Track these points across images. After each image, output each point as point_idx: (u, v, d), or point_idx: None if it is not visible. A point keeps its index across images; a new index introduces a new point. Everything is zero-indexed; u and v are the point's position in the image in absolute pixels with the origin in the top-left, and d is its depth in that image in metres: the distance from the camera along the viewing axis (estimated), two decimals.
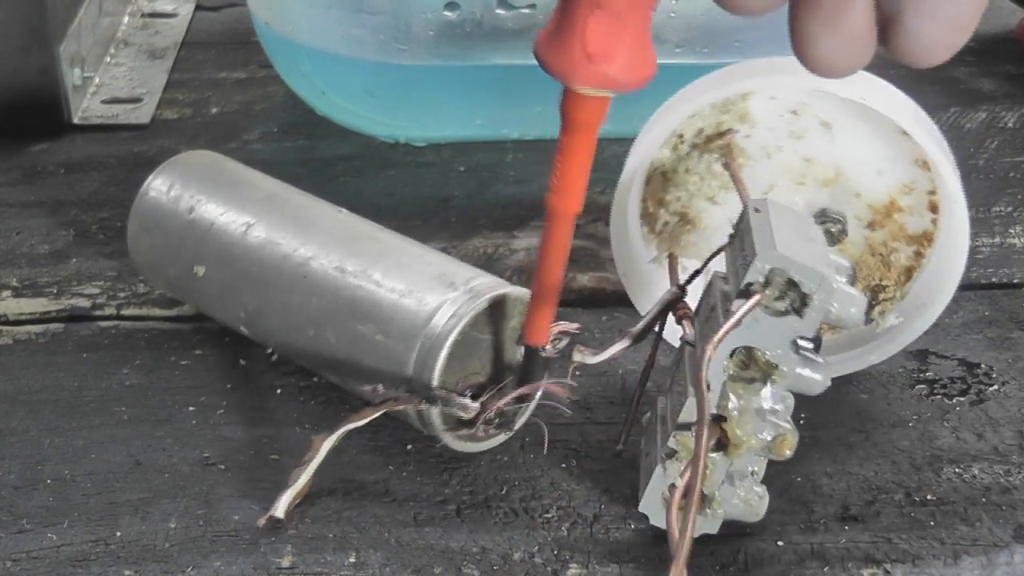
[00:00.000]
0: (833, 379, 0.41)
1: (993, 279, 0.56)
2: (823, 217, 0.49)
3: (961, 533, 0.43)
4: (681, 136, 0.49)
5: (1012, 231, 0.59)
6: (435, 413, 0.43)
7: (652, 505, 0.42)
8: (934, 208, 0.49)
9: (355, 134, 0.66)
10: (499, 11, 0.60)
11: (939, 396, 0.49)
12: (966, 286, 0.55)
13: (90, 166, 0.64)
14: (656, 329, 0.45)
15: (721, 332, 0.39)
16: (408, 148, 0.65)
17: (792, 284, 0.40)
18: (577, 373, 0.47)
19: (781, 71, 0.47)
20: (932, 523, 0.43)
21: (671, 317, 0.44)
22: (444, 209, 0.61)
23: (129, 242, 0.52)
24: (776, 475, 0.42)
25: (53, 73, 0.64)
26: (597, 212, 0.54)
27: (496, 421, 0.44)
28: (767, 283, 0.40)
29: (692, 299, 0.45)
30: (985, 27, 0.80)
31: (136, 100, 0.69)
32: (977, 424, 0.47)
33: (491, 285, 0.44)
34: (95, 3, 0.70)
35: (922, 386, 0.49)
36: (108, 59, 0.73)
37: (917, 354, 0.51)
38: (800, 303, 0.40)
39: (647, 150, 0.48)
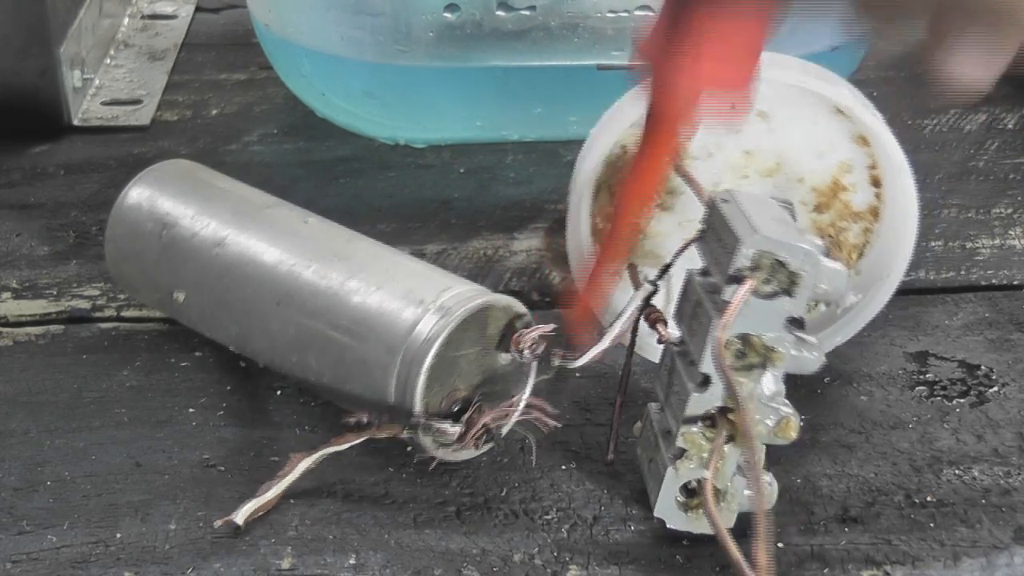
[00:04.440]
0: (832, 380, 0.41)
1: (993, 280, 0.56)
2: None
3: (961, 535, 0.43)
4: (624, 147, 0.49)
5: (1012, 233, 0.59)
6: (422, 436, 0.43)
7: (667, 508, 0.42)
8: (876, 182, 0.49)
9: (355, 136, 0.66)
10: (499, 13, 0.60)
11: (939, 398, 0.49)
12: (966, 287, 0.55)
13: (90, 168, 0.64)
14: (631, 333, 0.45)
15: (728, 315, 0.39)
16: (408, 150, 0.65)
17: (779, 265, 0.40)
18: (577, 375, 0.47)
19: None
20: (932, 525, 0.43)
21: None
22: (444, 211, 0.61)
23: (110, 268, 0.52)
24: (776, 476, 0.42)
25: (53, 75, 0.64)
26: None
27: (484, 437, 0.44)
28: (755, 267, 0.40)
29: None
30: None
31: (136, 102, 0.69)
32: (977, 426, 0.47)
33: (461, 298, 0.43)
34: (95, 5, 0.70)
35: (922, 388, 0.49)
36: (108, 61, 0.73)
37: (917, 356, 0.51)
38: (789, 282, 0.40)
39: (595, 162, 0.48)
